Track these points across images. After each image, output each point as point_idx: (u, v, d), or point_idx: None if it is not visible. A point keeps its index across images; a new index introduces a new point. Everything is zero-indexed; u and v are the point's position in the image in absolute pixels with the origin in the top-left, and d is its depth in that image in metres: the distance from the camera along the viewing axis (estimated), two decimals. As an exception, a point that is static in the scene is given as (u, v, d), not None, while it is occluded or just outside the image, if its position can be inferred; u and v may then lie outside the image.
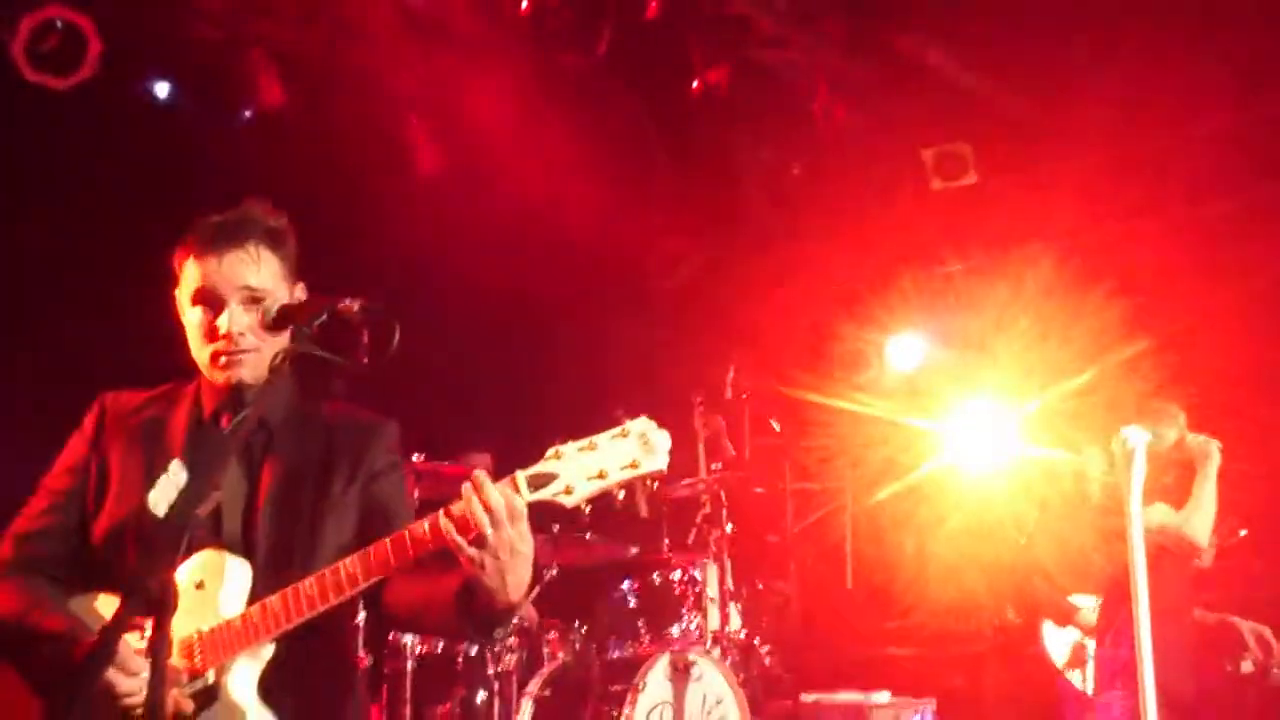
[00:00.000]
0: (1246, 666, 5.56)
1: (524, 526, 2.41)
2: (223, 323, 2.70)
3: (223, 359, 2.71)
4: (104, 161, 5.70)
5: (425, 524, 2.47)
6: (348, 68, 6.67)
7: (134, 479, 2.72)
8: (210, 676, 2.55)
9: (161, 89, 6.46)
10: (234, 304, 2.71)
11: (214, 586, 2.60)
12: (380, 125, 7.03)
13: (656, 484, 2.51)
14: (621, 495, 2.50)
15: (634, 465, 2.43)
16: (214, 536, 2.67)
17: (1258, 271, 7.78)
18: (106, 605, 2.63)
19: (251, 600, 2.61)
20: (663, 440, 2.47)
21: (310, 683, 2.68)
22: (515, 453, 7.16)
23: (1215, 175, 8.12)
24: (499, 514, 2.38)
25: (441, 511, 2.45)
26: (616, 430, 2.47)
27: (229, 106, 6.37)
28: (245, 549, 2.68)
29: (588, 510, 2.53)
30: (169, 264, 2.84)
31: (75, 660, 2.50)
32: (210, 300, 2.73)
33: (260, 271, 2.74)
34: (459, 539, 2.39)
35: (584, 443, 2.47)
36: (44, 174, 5.76)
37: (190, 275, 2.76)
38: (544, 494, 2.43)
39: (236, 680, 2.57)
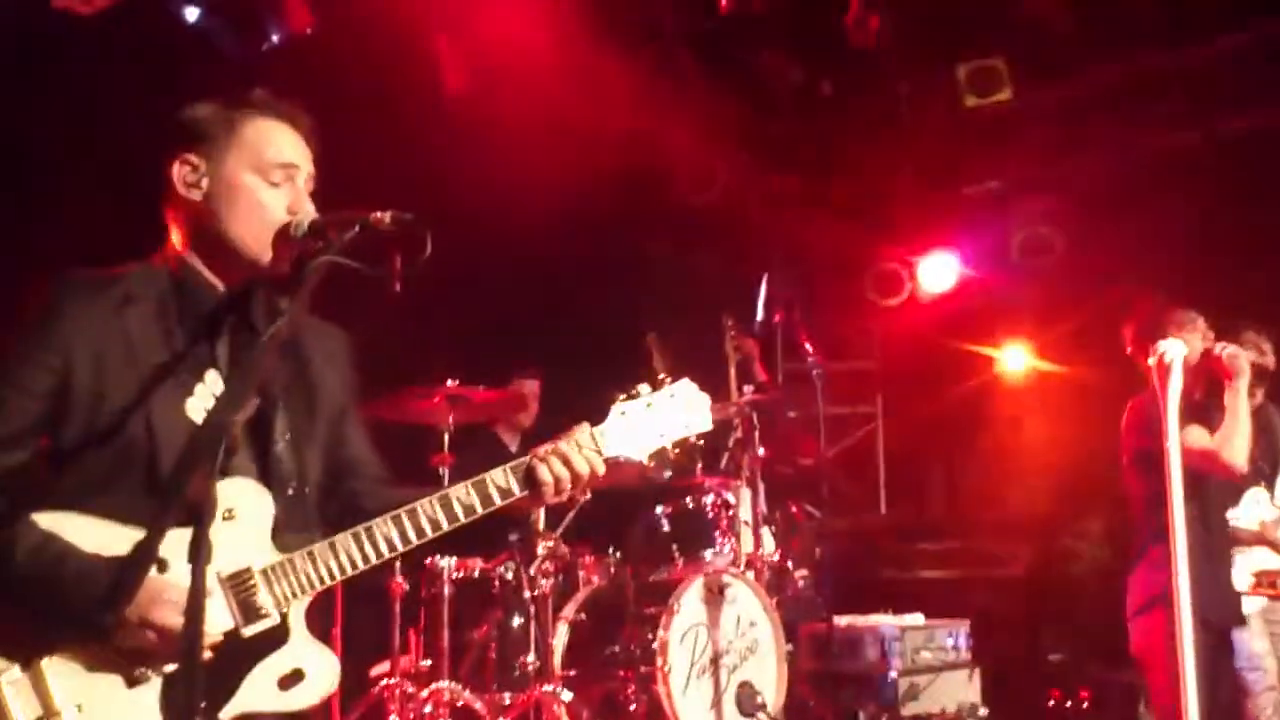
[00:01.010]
0: (1283, 584, 5.49)
1: None
2: (301, 200, 2.53)
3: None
4: (132, 88, 5.63)
5: (510, 476, 2.60)
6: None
7: (129, 375, 2.43)
8: (276, 617, 2.45)
9: (191, 12, 6.37)
10: (303, 184, 2.55)
11: (251, 517, 2.48)
12: (408, 46, 6.93)
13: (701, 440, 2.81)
14: (675, 452, 2.79)
15: (687, 425, 2.78)
16: (226, 459, 2.44)
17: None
18: (87, 527, 2.37)
19: (275, 531, 2.50)
20: (705, 401, 2.80)
21: (340, 610, 2.66)
22: (549, 374, 7.10)
23: (1258, 89, 7.94)
24: (584, 477, 2.62)
25: (529, 465, 2.60)
26: (667, 391, 2.77)
27: (257, 30, 6.28)
28: (260, 475, 2.53)
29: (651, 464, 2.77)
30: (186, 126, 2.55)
31: (90, 587, 2.29)
32: (285, 174, 2.53)
33: (312, 163, 2.60)
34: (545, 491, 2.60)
35: (643, 401, 2.75)
36: (74, 102, 5.70)
37: (257, 142, 2.53)
38: (617, 451, 2.70)
39: (297, 617, 2.49)
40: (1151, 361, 3.09)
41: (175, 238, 2.58)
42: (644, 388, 2.77)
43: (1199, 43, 8.02)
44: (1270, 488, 5.67)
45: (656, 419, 2.74)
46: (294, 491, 2.55)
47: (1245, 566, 5.51)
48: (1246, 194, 7.84)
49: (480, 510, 2.57)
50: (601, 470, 2.64)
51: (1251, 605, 5.31)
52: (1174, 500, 2.93)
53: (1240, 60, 7.97)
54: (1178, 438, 3.00)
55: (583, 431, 2.67)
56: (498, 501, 2.58)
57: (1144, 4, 7.84)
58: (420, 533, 2.54)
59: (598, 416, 2.73)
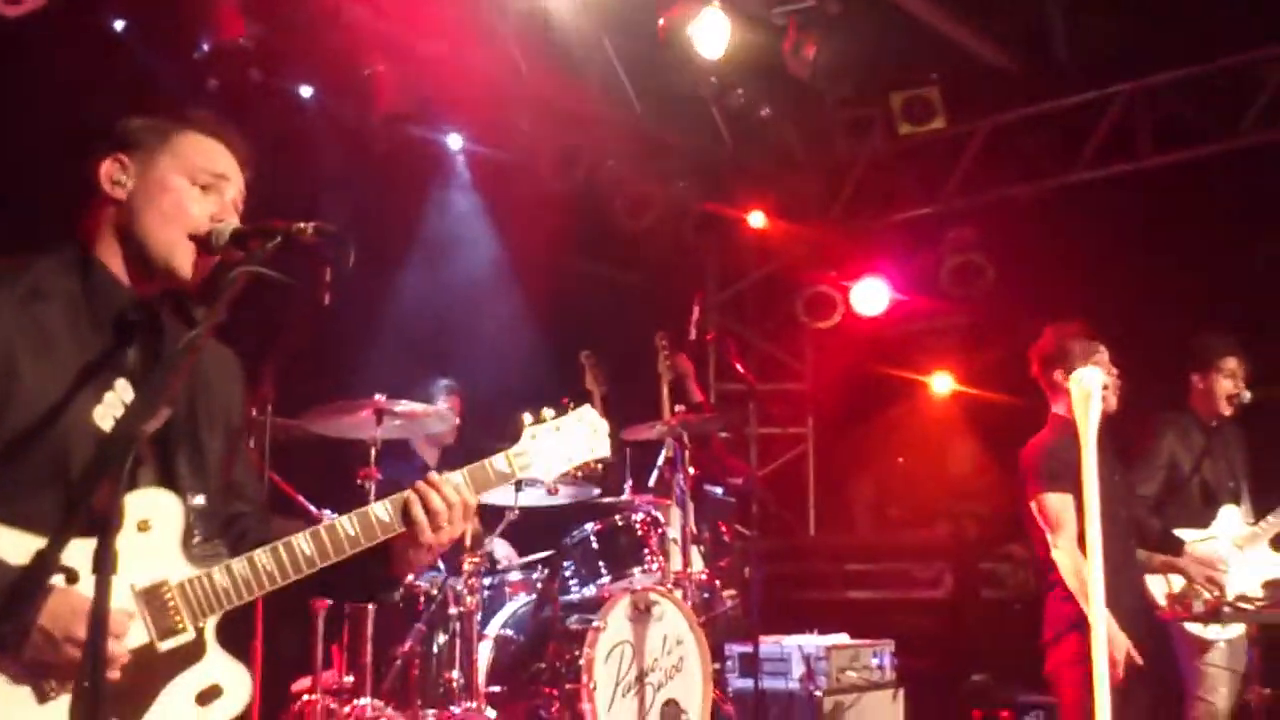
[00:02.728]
0: (1198, 607, 5.60)
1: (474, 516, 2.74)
2: (227, 211, 2.51)
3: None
4: (58, 93, 5.55)
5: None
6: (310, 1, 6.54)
7: (41, 371, 2.36)
8: (192, 632, 2.41)
9: (118, 23, 6.29)
10: (231, 198, 2.54)
11: (166, 528, 2.44)
12: (341, 60, 6.90)
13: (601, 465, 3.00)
14: (580, 475, 2.96)
15: (591, 450, 2.93)
16: (134, 470, 2.40)
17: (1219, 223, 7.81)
18: None
19: (186, 542, 2.46)
20: (605, 427, 2.97)
21: (261, 624, 2.64)
22: (481, 395, 7.07)
23: (1185, 124, 8.12)
24: (457, 511, 2.64)
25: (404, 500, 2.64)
26: (572, 416, 2.92)
27: (187, 37, 6.21)
28: (167, 480, 2.49)
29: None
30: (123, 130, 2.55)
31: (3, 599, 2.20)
32: (213, 182, 2.52)
33: (243, 185, 2.60)
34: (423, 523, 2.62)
35: (551, 425, 2.88)
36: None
37: (189, 150, 2.53)
38: (529, 474, 2.83)
39: (212, 633, 2.46)
40: (1072, 388, 3.11)
41: (92, 235, 2.52)
42: (548, 411, 2.89)
43: (1127, 78, 8.20)
44: (1238, 504, 5.83)
45: (564, 443, 2.89)
46: (199, 504, 2.50)
47: (1158, 590, 5.65)
48: (1176, 225, 8.00)
49: (396, 527, 2.60)
50: (473, 504, 2.68)
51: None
52: (1091, 530, 2.97)
53: (1166, 96, 8.17)
54: (1094, 468, 3.03)
55: (499, 455, 2.79)
56: (416, 515, 2.61)
57: (1074, 41, 8.01)
58: (339, 549, 2.54)
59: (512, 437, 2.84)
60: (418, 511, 2.60)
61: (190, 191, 2.50)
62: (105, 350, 2.44)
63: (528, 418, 2.86)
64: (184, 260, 2.48)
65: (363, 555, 2.58)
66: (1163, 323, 7.30)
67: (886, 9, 7.53)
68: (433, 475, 2.66)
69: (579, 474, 2.95)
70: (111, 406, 2.41)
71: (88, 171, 2.52)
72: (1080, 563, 4.96)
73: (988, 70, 8.30)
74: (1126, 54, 7.99)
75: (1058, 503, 5.10)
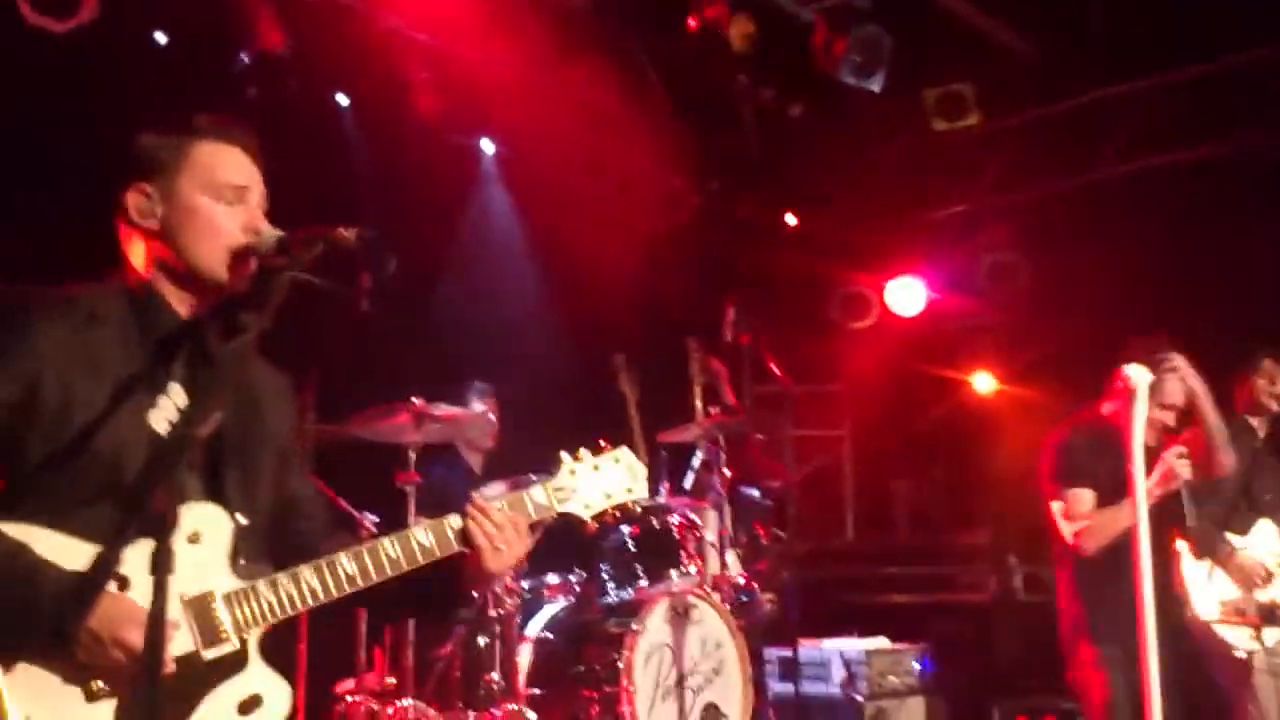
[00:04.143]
0: (1251, 611, 5.55)
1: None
2: (258, 218, 2.54)
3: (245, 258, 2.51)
4: (103, 105, 5.60)
5: (453, 526, 2.72)
6: (347, 8, 6.59)
7: (95, 392, 2.39)
8: (236, 642, 2.45)
9: (160, 36, 6.36)
10: (256, 204, 2.56)
11: (214, 542, 2.49)
12: (380, 66, 6.95)
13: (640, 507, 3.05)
14: (617, 514, 3.06)
15: (629, 490, 3.01)
16: (183, 476, 2.45)
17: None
18: (54, 541, 2.33)
19: (233, 559, 2.50)
20: (643, 471, 3.05)
21: (305, 626, 2.68)
22: (516, 398, 7.07)
23: (1214, 118, 8.03)
24: (509, 533, 2.72)
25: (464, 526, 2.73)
26: (611, 455, 3.01)
27: (227, 49, 6.28)
28: (215, 499, 2.52)
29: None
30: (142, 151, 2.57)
31: (60, 600, 2.25)
32: (237, 195, 2.54)
33: (262, 183, 2.61)
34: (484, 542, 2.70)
35: (591, 463, 2.97)
36: (45, 118, 5.66)
37: (206, 164, 2.54)
38: (567, 508, 2.90)
39: (255, 645, 2.50)
40: (1118, 383, 3.10)
41: (137, 264, 2.57)
42: (584, 451, 2.96)
43: (1161, 72, 8.13)
44: (1276, 520, 5.76)
45: (602, 481, 2.97)
46: (245, 522, 2.54)
47: (1213, 595, 5.57)
48: (1210, 220, 7.93)
49: (439, 552, 2.68)
50: (523, 525, 2.77)
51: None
52: (1140, 530, 2.95)
53: (1203, 89, 8.09)
54: (1143, 467, 3.01)
55: (538, 487, 2.86)
56: (450, 543, 2.70)
57: (1110, 34, 7.94)
58: (381, 569, 2.59)
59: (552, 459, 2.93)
60: (480, 537, 2.69)
61: (217, 208, 2.53)
62: (153, 364, 2.49)
63: (566, 456, 2.94)
64: (228, 272, 2.52)
65: (442, 574, 2.69)
66: (1201, 318, 7.23)
67: (918, 4, 7.49)
68: (478, 499, 2.74)
69: (616, 513, 3.01)
70: (165, 410, 2.46)
71: (115, 204, 2.57)
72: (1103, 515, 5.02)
73: (1021, 65, 8.24)
74: (1162, 46, 7.90)
75: (1075, 497, 5.11)
